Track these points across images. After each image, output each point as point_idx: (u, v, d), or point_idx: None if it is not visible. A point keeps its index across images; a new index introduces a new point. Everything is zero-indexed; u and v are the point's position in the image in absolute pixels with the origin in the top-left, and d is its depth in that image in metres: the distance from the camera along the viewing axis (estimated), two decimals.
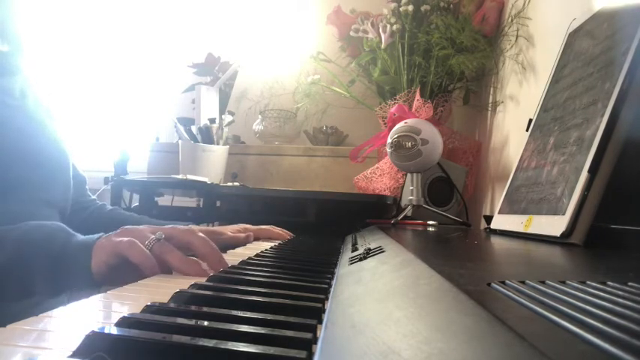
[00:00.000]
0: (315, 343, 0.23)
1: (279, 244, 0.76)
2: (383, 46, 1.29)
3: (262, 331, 0.24)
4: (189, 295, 0.33)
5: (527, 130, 0.67)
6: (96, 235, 0.52)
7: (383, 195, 1.14)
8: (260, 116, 1.63)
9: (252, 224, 0.86)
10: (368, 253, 0.44)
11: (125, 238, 0.48)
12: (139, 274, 0.45)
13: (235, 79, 1.71)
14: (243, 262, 0.50)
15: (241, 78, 1.73)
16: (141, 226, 0.53)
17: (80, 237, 0.53)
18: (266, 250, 0.65)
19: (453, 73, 1.25)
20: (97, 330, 0.22)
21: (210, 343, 0.21)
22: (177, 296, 0.32)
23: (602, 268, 0.34)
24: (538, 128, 0.64)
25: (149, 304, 0.29)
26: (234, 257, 0.55)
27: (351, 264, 0.42)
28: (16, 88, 0.73)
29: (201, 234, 0.52)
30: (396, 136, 0.87)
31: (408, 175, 0.93)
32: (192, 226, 0.69)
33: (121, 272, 0.48)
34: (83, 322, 0.29)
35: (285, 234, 0.89)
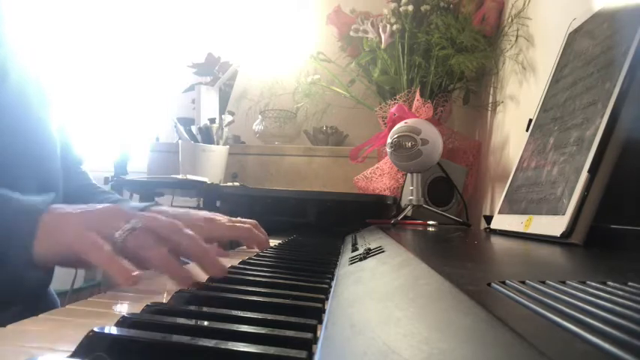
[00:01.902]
0: (316, 343, 0.23)
1: (279, 244, 0.76)
2: (383, 46, 1.29)
3: (262, 331, 0.24)
4: (189, 295, 0.33)
5: (527, 130, 0.67)
6: (40, 202, 0.40)
7: (383, 195, 1.14)
8: (260, 116, 1.63)
9: None
10: (368, 253, 0.44)
11: (86, 235, 0.37)
12: None
13: (235, 79, 1.72)
14: (243, 262, 0.50)
15: (241, 78, 1.73)
16: (111, 207, 0.42)
17: (23, 199, 0.41)
18: (266, 250, 0.65)
19: (453, 73, 1.25)
20: (96, 330, 0.22)
21: (210, 343, 0.21)
22: (178, 296, 0.32)
23: (602, 268, 0.34)
24: (538, 128, 0.64)
25: (149, 304, 0.29)
26: (234, 257, 0.55)
27: (351, 264, 0.42)
28: None
29: (188, 231, 0.42)
30: (396, 136, 0.87)
31: (408, 175, 0.93)
32: (186, 213, 0.61)
33: (79, 262, 0.39)
34: (83, 322, 0.29)
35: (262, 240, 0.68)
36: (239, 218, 0.68)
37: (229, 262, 0.51)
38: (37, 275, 0.39)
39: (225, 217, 0.66)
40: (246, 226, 0.65)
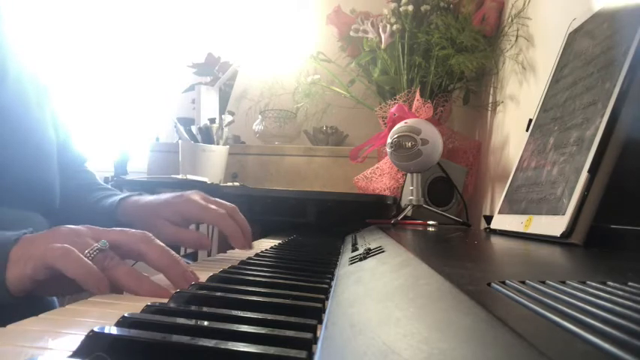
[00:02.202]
0: (316, 343, 0.23)
1: (279, 244, 0.76)
2: (383, 46, 1.29)
3: (262, 331, 0.24)
4: (189, 295, 0.33)
5: (527, 130, 0.67)
6: (13, 235, 0.39)
7: (383, 195, 1.14)
8: (260, 116, 1.63)
9: (252, 224, 0.84)
10: (368, 253, 0.44)
11: (56, 245, 0.37)
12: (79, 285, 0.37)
13: (235, 79, 1.72)
14: (243, 262, 0.50)
15: (241, 78, 1.73)
16: (78, 227, 0.41)
17: None
18: (266, 250, 0.65)
19: (453, 73, 1.25)
20: (96, 330, 0.22)
21: (210, 343, 0.21)
22: (178, 296, 0.32)
23: (602, 268, 0.34)
24: (538, 128, 0.64)
25: (149, 304, 0.29)
26: (233, 257, 0.54)
27: (351, 264, 0.42)
28: None
29: (157, 242, 0.42)
30: (396, 136, 0.87)
31: (408, 175, 0.93)
32: (163, 196, 0.61)
33: (55, 283, 0.38)
34: (83, 322, 0.29)
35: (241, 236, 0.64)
36: (217, 199, 0.65)
37: (229, 262, 0.50)
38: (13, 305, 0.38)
39: (202, 194, 0.65)
40: (221, 211, 0.61)
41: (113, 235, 0.41)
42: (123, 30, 2.05)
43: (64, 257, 0.36)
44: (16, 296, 0.38)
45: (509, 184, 0.66)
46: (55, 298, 0.68)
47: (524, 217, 0.55)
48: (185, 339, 0.22)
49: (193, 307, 0.30)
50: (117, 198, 0.68)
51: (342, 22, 1.39)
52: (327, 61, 1.47)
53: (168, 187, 1.26)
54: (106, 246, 0.39)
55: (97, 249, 0.38)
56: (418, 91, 1.17)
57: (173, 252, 0.42)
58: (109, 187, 0.77)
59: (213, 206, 0.62)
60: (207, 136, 1.38)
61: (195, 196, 0.63)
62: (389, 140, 0.89)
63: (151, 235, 0.42)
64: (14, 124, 0.59)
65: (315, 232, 1.05)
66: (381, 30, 1.30)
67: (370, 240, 0.58)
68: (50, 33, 1.95)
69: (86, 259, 0.36)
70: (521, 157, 0.66)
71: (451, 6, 1.28)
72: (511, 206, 0.62)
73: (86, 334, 0.22)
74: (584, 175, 0.44)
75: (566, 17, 0.67)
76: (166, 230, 0.62)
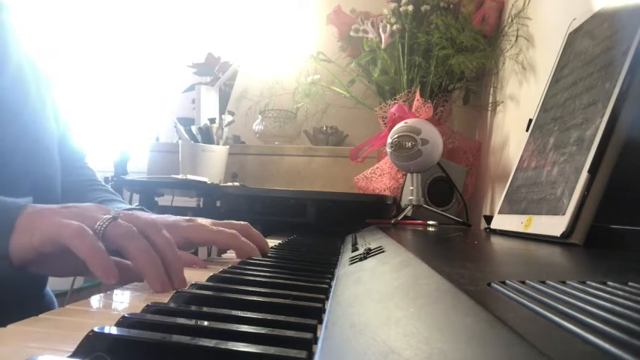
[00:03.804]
0: (316, 343, 0.23)
1: (279, 244, 0.76)
2: (383, 46, 1.29)
3: (262, 331, 0.24)
4: (189, 295, 0.33)
5: (527, 130, 0.67)
6: (19, 202, 0.38)
7: (383, 195, 1.14)
8: (260, 116, 1.63)
9: (252, 224, 0.82)
10: (368, 253, 0.44)
11: (73, 223, 0.35)
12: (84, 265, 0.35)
13: (235, 79, 1.71)
14: (243, 262, 0.50)
15: (241, 78, 1.73)
16: (89, 205, 0.40)
17: (2, 198, 0.39)
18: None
19: (453, 73, 1.25)
20: (96, 330, 0.22)
21: (210, 343, 0.21)
22: (178, 296, 0.32)
23: (602, 268, 0.34)
24: (538, 128, 0.64)
25: (149, 304, 0.29)
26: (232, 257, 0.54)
27: (351, 264, 0.42)
28: None
29: (166, 233, 0.40)
30: (396, 136, 0.87)
31: (408, 175, 0.93)
32: (166, 216, 0.56)
33: (58, 260, 0.37)
34: (83, 322, 0.29)
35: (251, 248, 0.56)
36: (230, 221, 0.60)
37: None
38: (14, 276, 0.37)
39: (210, 220, 0.59)
40: (231, 231, 0.55)
41: (123, 214, 0.39)
42: (123, 30, 2.05)
43: (79, 237, 0.34)
44: (16, 267, 0.36)
45: (509, 184, 0.66)
46: (54, 298, 0.68)
47: (524, 217, 0.55)
48: (185, 339, 0.22)
49: (193, 307, 0.30)
50: (119, 209, 0.66)
51: (342, 22, 1.40)
52: (327, 61, 1.47)
53: (168, 187, 1.26)
54: (119, 215, 0.37)
55: (108, 219, 0.37)
56: (418, 91, 1.17)
57: (154, 253, 0.38)
58: (109, 188, 0.76)
59: (223, 228, 0.57)
60: (207, 136, 1.38)
61: (205, 221, 0.58)
62: (389, 140, 0.89)
63: (159, 224, 0.41)
64: (13, 116, 0.58)
65: (315, 232, 1.05)
66: (381, 30, 1.30)
67: (370, 240, 0.58)
68: (51, 32, 1.95)
69: (100, 245, 0.35)
70: (521, 157, 0.66)
71: (451, 6, 1.28)
72: (511, 206, 0.62)
73: (86, 334, 0.22)
74: (584, 175, 0.44)
75: (566, 17, 0.67)
76: None
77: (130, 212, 0.41)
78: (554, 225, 0.46)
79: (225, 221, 0.59)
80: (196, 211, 1.32)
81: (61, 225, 0.35)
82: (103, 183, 0.77)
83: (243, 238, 0.55)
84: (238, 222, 0.60)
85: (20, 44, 0.64)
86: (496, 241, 0.53)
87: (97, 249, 0.34)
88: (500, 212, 0.65)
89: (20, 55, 0.63)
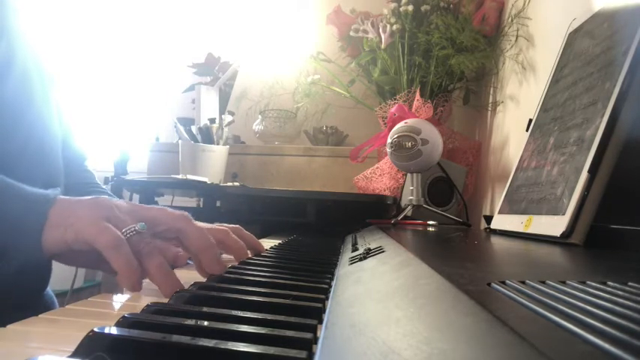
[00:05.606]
0: (316, 343, 0.23)
1: (279, 244, 0.76)
2: (383, 46, 1.29)
3: (262, 331, 0.24)
4: (189, 295, 0.33)
5: (527, 130, 0.67)
6: (51, 192, 0.39)
7: (383, 195, 1.14)
8: (260, 116, 1.63)
9: (252, 224, 0.82)
10: (368, 253, 0.44)
11: (110, 232, 0.36)
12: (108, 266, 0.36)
13: (235, 79, 1.71)
14: (243, 262, 0.50)
15: (241, 78, 1.73)
16: (120, 202, 0.40)
17: (29, 189, 0.39)
18: (266, 250, 0.65)
19: (453, 73, 1.25)
20: (97, 330, 0.22)
21: (210, 343, 0.21)
22: (178, 296, 0.32)
23: (602, 268, 0.34)
24: (538, 128, 0.64)
25: (149, 304, 0.29)
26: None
27: (351, 264, 0.42)
28: None
29: (197, 223, 0.42)
30: (396, 136, 0.87)
31: (408, 175, 0.93)
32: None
33: (84, 257, 0.38)
34: (83, 322, 0.29)
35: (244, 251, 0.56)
36: (221, 224, 0.58)
37: (229, 262, 0.50)
38: (41, 267, 0.38)
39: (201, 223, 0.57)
40: (222, 228, 0.55)
41: (153, 212, 0.40)
42: (123, 30, 2.05)
43: (115, 248, 0.35)
44: (46, 259, 0.37)
45: (509, 184, 0.66)
46: (54, 298, 0.68)
47: (524, 217, 0.55)
48: (185, 339, 0.22)
49: (193, 307, 0.30)
50: None
51: (342, 22, 1.40)
52: (327, 61, 1.47)
53: (168, 187, 1.26)
54: (144, 229, 0.38)
55: (134, 230, 0.38)
56: (418, 91, 1.17)
57: (210, 236, 0.41)
58: (108, 191, 0.76)
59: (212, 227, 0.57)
60: (207, 136, 1.38)
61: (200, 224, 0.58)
62: (389, 140, 0.89)
63: (189, 215, 0.42)
64: (17, 118, 0.58)
65: (315, 232, 1.05)
66: (381, 30, 1.30)
67: (370, 240, 0.58)
68: (52, 31, 1.95)
69: (133, 258, 0.36)
70: (521, 157, 0.66)
71: (451, 6, 1.28)
72: (511, 206, 0.62)
73: (86, 334, 0.22)
74: (584, 175, 0.44)
75: (566, 17, 0.67)
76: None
77: (160, 207, 0.42)
78: (554, 225, 0.46)
79: (215, 224, 0.58)
80: (196, 212, 1.32)
81: (99, 231, 0.36)
82: (103, 186, 0.77)
83: (233, 235, 0.55)
84: (230, 225, 0.59)
85: (26, 44, 0.63)
86: (496, 241, 0.53)
87: (130, 264, 0.36)
88: (500, 212, 0.65)
89: (27, 56, 0.62)
